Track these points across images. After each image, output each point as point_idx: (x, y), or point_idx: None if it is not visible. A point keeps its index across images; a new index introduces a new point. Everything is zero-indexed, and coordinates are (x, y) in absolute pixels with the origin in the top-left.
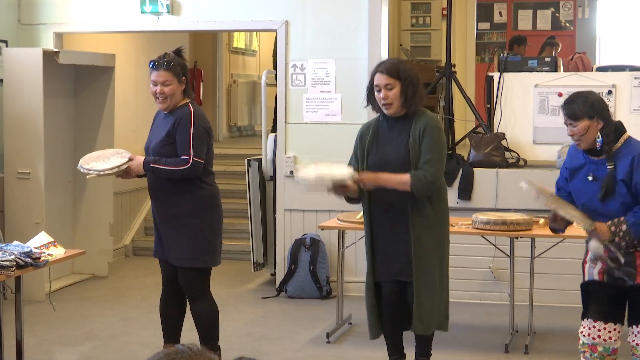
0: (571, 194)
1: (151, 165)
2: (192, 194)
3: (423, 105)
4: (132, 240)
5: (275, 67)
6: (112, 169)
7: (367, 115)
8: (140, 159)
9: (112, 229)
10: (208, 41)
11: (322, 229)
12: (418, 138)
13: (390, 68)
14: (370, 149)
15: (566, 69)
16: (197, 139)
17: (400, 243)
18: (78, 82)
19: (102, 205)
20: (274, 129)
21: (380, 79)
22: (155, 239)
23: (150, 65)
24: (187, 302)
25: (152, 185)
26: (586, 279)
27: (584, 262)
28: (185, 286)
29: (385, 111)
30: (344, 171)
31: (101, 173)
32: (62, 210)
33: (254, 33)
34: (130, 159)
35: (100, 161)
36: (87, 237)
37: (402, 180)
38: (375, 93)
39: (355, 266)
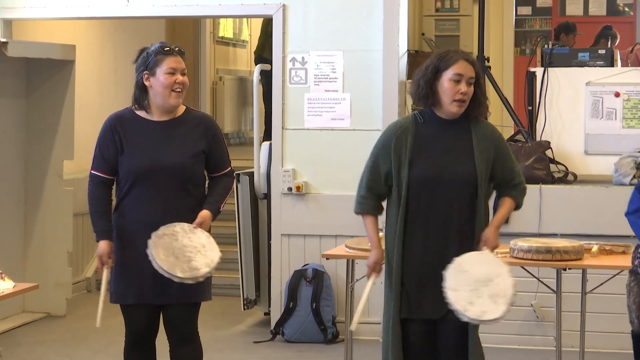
0: None
1: (220, 210)
2: None
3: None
4: (95, 272)
5: (256, 62)
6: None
7: (381, 119)
8: (205, 215)
9: (71, 258)
10: (188, 29)
11: (327, 259)
12: (487, 153)
13: (476, 62)
14: (413, 159)
15: (624, 64)
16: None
17: (438, 273)
18: (30, 78)
19: (59, 230)
20: (268, 137)
21: (466, 69)
22: (140, 282)
23: (160, 50)
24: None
25: (166, 215)
26: None
27: None
28: (184, 327)
29: (454, 108)
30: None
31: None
32: (11, 235)
33: (245, 20)
34: (198, 225)
35: (194, 254)
36: (40, 268)
37: (509, 210)
38: (448, 84)
39: (368, 304)
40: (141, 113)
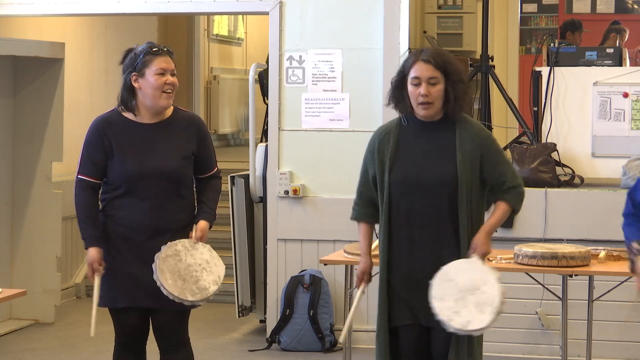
0: None
1: (215, 216)
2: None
3: (468, 112)
4: (84, 278)
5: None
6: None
7: (382, 120)
8: (204, 227)
9: (60, 263)
10: (182, 27)
11: (324, 264)
12: (471, 154)
13: (437, 58)
14: (394, 163)
15: (633, 63)
16: None
17: (427, 279)
18: (18, 77)
19: (47, 234)
20: (264, 138)
21: (422, 70)
22: (131, 285)
23: (148, 50)
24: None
25: (158, 218)
26: None
27: None
28: (173, 333)
29: (420, 111)
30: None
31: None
32: None
33: (240, 17)
34: (198, 239)
35: (200, 272)
36: (28, 273)
37: (503, 215)
38: (411, 87)
39: (366, 311)
40: (129, 115)
